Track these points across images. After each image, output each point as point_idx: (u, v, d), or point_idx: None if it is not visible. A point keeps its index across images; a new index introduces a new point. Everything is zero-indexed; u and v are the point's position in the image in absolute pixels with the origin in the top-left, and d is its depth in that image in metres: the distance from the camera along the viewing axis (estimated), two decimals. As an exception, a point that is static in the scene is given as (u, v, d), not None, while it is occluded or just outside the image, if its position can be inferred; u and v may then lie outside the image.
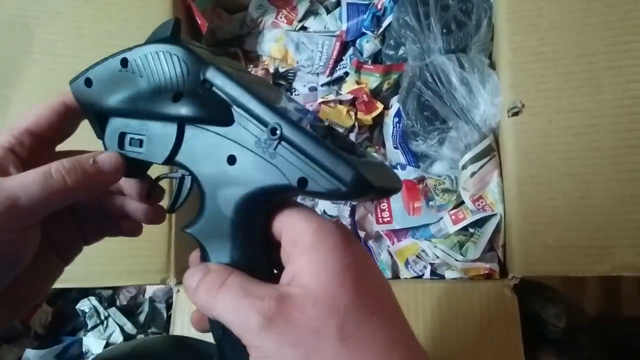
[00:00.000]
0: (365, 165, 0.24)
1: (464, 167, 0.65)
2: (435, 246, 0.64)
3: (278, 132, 0.24)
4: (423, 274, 0.66)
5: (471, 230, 0.65)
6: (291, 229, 0.25)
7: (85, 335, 0.74)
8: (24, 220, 0.26)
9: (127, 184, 0.33)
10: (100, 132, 0.31)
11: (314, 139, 0.24)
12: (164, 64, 0.27)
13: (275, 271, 0.27)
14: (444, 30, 0.65)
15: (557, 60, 0.59)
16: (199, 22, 0.70)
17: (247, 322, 0.22)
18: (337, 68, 0.76)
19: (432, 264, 0.65)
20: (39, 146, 0.30)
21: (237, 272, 0.25)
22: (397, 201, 0.69)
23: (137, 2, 0.66)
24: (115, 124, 0.30)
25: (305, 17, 0.79)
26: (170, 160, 0.28)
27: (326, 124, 0.36)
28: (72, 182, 0.27)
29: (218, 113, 0.26)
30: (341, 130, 0.69)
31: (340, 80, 0.76)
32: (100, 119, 0.30)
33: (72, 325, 0.76)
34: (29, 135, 0.30)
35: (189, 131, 0.27)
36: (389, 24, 0.71)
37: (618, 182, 0.57)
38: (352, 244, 0.25)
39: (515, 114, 0.59)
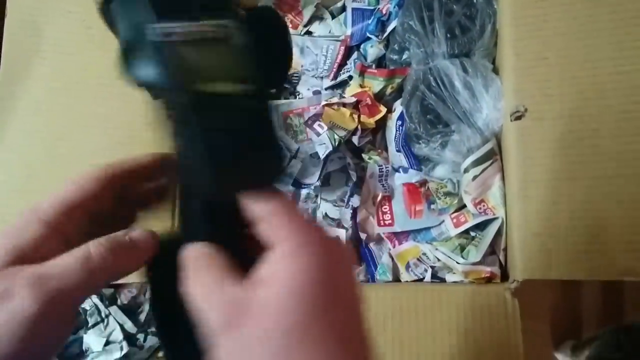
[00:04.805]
0: None
1: (466, 170, 0.65)
2: (437, 249, 0.64)
3: None
4: (424, 277, 0.65)
5: (472, 233, 0.65)
6: (278, 228, 0.25)
7: (85, 333, 0.74)
8: (70, 309, 0.25)
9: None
10: None
11: None
12: None
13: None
14: (448, 35, 0.66)
15: (561, 66, 0.59)
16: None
17: (211, 320, 0.23)
18: (341, 72, 0.77)
19: (432, 267, 0.65)
20: (79, 220, 0.28)
21: (219, 259, 0.25)
22: (398, 204, 0.69)
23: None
24: None
25: (310, 21, 0.80)
26: None
27: None
28: (112, 262, 0.26)
29: None
30: (344, 133, 0.69)
31: (344, 84, 0.76)
32: None
33: (72, 323, 0.76)
34: (70, 208, 0.28)
35: None
36: (393, 28, 0.71)
37: (621, 187, 0.56)
38: (335, 264, 0.24)
39: (518, 118, 0.59)
